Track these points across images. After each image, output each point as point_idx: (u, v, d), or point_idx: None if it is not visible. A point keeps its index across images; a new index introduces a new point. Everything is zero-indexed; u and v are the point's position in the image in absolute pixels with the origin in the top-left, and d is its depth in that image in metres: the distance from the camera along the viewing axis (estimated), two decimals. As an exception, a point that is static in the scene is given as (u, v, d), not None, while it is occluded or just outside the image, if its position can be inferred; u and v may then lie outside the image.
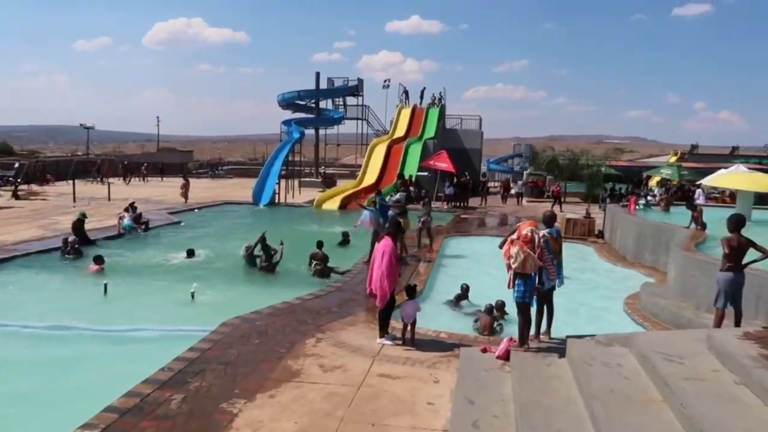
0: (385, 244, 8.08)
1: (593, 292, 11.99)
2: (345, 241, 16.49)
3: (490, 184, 37.59)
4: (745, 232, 7.34)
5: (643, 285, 11.09)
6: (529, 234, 6.55)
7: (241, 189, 32.85)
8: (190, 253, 14.26)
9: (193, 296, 10.47)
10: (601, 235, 18.40)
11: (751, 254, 7.15)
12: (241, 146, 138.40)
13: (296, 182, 32.61)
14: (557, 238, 7.26)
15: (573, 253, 15.86)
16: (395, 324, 8.24)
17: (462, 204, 28.48)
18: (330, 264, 12.92)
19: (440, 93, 40.51)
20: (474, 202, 29.59)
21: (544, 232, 7.09)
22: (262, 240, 13.39)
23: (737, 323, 6.97)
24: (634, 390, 5.11)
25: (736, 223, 7.21)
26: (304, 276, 12.77)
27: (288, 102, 39.46)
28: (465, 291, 10.54)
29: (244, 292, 11.42)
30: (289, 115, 39.43)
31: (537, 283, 6.95)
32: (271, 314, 9.01)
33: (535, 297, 7.04)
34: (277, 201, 27.72)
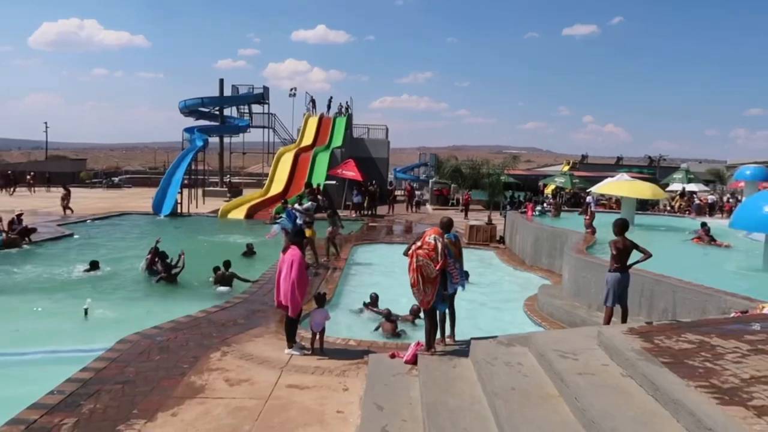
0: (293, 253, 7.98)
1: (495, 295, 12.49)
2: (249, 251, 16.13)
3: (397, 192, 38.31)
4: (629, 234, 7.96)
5: (541, 287, 11.71)
6: (433, 242, 6.71)
7: (140, 199, 31.33)
8: (94, 266, 13.38)
9: (86, 313, 9.82)
10: (502, 240, 19.23)
11: (635, 255, 7.75)
12: (140, 155, 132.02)
13: (200, 191, 31.54)
14: (456, 242, 7.49)
15: (476, 258, 16.55)
16: (304, 333, 8.17)
17: (370, 212, 28.79)
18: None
19: (347, 102, 40.88)
20: (382, 210, 30.00)
21: (442, 238, 7.30)
22: (156, 249, 12.91)
23: (624, 320, 7.53)
24: (533, 386, 5.37)
25: (621, 227, 7.80)
26: (208, 288, 12.36)
27: (191, 109, 38.18)
28: (374, 300, 10.63)
29: (145, 307, 10.86)
30: (191, 122, 38.18)
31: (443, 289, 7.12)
32: (173, 329, 8.63)
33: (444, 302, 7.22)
34: (179, 211, 26.66)
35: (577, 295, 10.22)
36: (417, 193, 36.62)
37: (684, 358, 5.01)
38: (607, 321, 7.50)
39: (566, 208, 22.93)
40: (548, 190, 32.90)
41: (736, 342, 5.53)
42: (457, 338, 7.59)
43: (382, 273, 14.50)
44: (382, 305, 10.54)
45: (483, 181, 28.98)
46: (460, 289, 7.71)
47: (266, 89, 41.03)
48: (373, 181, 30.29)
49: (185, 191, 27.85)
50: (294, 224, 13.51)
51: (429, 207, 35.58)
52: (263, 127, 40.91)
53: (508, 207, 27.41)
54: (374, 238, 20.73)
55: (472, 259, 16.73)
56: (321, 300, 8.22)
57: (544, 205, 22.63)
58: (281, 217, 14.38)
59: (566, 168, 45.38)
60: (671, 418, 4.15)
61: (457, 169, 33.02)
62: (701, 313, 7.57)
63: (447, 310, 7.58)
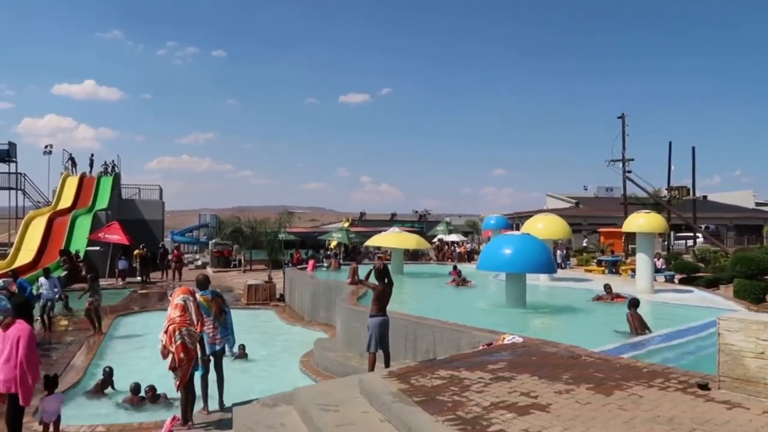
0: (19, 329, 6.62)
1: (273, 355, 12.08)
2: None
3: (170, 256, 35.80)
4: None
5: (316, 341, 11.62)
6: (182, 303, 6.18)
7: None
8: None
9: None
10: (282, 298, 18.95)
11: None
12: None
13: None
14: (215, 299, 7.06)
15: (255, 317, 16.08)
16: (36, 426, 6.83)
17: (143, 278, 26.41)
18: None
19: (113, 161, 37.63)
20: (157, 275, 27.73)
21: (198, 295, 6.83)
22: None
23: (387, 364, 7.70)
24: (294, 446, 5.09)
25: (382, 272, 8.13)
26: None
27: None
28: (108, 375, 9.30)
29: None
30: None
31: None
32: None
33: (200, 365, 6.64)
34: None
35: (349, 346, 10.31)
36: (196, 256, 34.58)
37: (435, 395, 5.21)
38: (371, 367, 7.60)
39: (343, 262, 23.58)
40: (332, 245, 33.65)
41: (481, 373, 5.95)
42: (227, 405, 7.01)
43: (148, 343, 13.11)
44: (145, 379, 9.36)
45: (263, 240, 28.60)
46: (227, 351, 7.23)
47: (12, 145, 35.92)
48: (142, 245, 27.85)
49: None
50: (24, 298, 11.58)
51: (209, 269, 33.90)
52: (9, 188, 35.52)
53: (289, 264, 27.30)
54: (144, 306, 18.89)
55: (252, 318, 16.21)
56: (51, 383, 6.91)
57: (323, 261, 23.08)
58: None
59: (346, 224, 47.11)
60: (421, 456, 4.19)
61: (237, 229, 32.13)
62: (456, 349, 8.09)
63: (216, 375, 7.02)
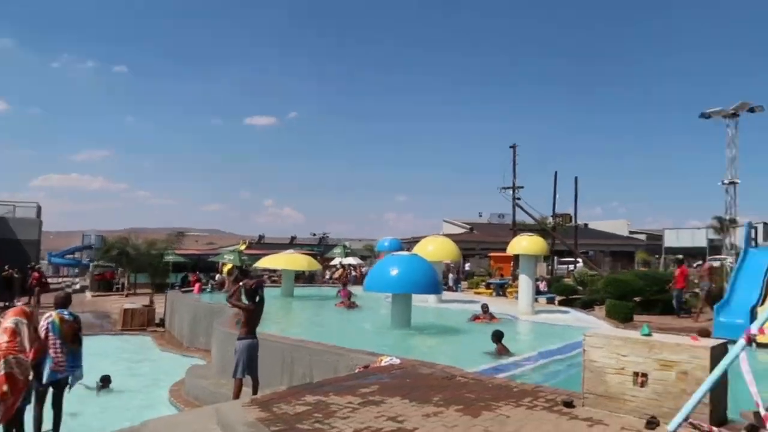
0: None
1: (142, 386, 11.09)
2: None
3: (51, 279, 32.80)
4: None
5: (189, 368, 10.82)
6: (12, 326, 5.38)
7: None
8: None
9: None
10: (162, 323, 17.72)
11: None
12: None
13: None
14: (72, 322, 6.26)
15: (128, 344, 14.89)
16: None
17: (5, 303, 23.85)
18: None
19: (-20, 175, 34.20)
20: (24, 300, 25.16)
21: (52, 313, 6.02)
22: None
23: (255, 391, 7.19)
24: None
25: (251, 292, 7.65)
26: None
27: None
28: None
29: None
30: None
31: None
32: None
33: (32, 397, 5.79)
34: None
35: (224, 372, 9.59)
36: (75, 280, 31.89)
37: (296, 423, 4.80)
38: (237, 395, 7.05)
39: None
40: (226, 268, 32.28)
41: (351, 397, 5.62)
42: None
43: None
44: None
45: (150, 262, 26.92)
46: (71, 379, 6.39)
47: None
48: (6, 266, 25.20)
49: None
50: None
51: (89, 294, 31.41)
52: None
53: (177, 287, 25.79)
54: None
55: (123, 346, 14.96)
56: None
57: (211, 282, 22.01)
58: None
59: (243, 247, 45.49)
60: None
61: (122, 251, 30.03)
62: (334, 373, 7.72)
63: (53, 409, 6.16)
